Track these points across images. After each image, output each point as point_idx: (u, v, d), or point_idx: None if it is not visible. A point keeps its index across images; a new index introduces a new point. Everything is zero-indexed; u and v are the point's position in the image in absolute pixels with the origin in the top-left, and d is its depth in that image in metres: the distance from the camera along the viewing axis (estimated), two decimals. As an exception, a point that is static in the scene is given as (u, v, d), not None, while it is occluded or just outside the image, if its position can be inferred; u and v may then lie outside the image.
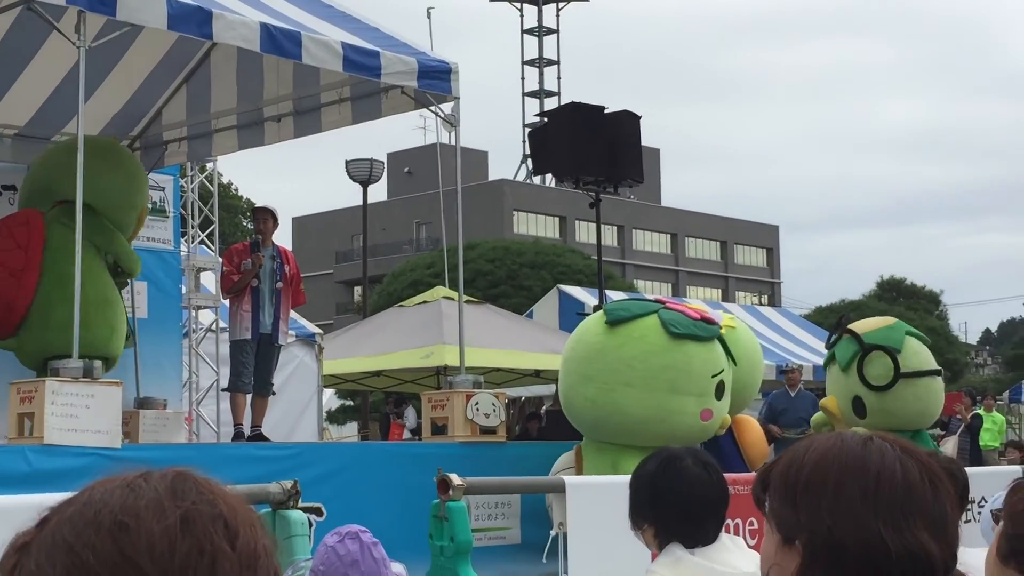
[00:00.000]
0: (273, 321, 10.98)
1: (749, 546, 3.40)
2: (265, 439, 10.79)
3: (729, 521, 3.51)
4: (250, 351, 10.89)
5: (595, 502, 6.48)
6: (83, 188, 8.59)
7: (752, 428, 10.81)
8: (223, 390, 11.32)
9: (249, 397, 10.98)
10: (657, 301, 10.42)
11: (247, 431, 10.92)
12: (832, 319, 16.47)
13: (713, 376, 9.47)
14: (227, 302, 11.38)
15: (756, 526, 6.67)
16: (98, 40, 8.61)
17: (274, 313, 10.99)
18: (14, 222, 10.06)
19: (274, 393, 11.35)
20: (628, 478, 3.47)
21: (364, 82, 10.58)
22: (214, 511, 1.29)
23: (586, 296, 21.19)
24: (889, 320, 11.87)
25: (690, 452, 3.49)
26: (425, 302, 18.31)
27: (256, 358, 10.93)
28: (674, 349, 9.37)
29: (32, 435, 7.83)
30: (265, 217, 11.23)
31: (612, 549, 5.85)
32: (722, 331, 9.86)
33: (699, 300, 26.15)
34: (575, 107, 13.14)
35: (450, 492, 5.98)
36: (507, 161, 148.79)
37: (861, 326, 11.45)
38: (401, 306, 19.49)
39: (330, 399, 31.11)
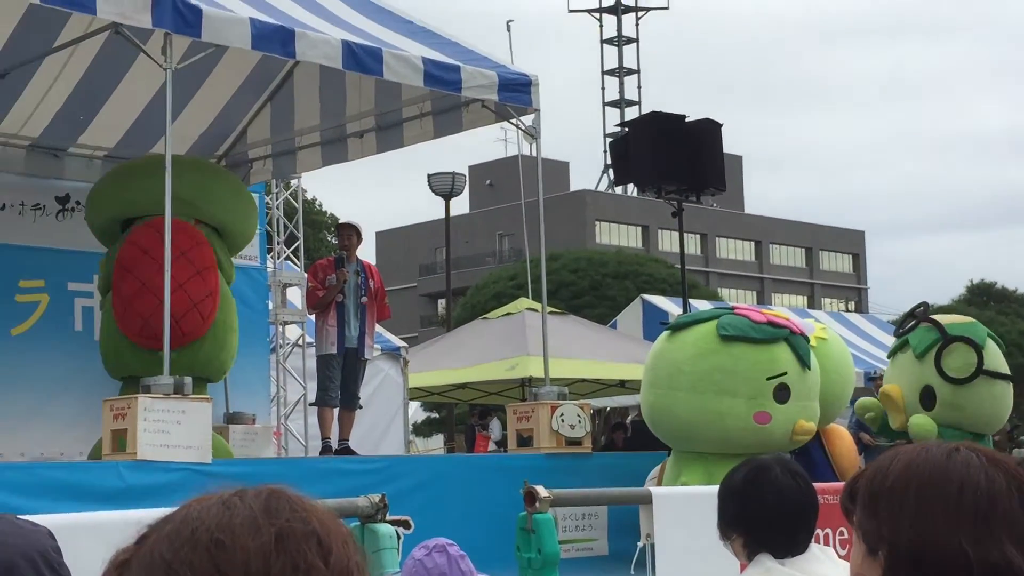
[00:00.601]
0: (359, 335, 11.06)
1: (839, 556, 3.36)
2: (352, 453, 10.87)
3: (819, 531, 3.47)
4: (336, 366, 10.98)
5: (682, 512, 6.45)
6: (218, 211, 9.47)
7: (842, 437, 10.65)
8: (310, 404, 11.43)
9: (336, 411, 11.07)
10: (729, 308, 10.37)
11: (335, 445, 11.01)
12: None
13: (769, 379, 9.35)
14: (313, 317, 11.49)
15: (846, 536, 6.60)
16: (184, 62, 8.75)
17: (359, 327, 11.07)
18: (188, 243, 10.11)
19: (361, 407, 11.43)
20: (714, 488, 3.46)
21: (445, 96, 10.65)
22: (307, 528, 1.30)
23: (670, 305, 21.08)
24: (968, 318, 11.58)
25: (779, 461, 3.46)
26: (509, 314, 18.35)
27: (342, 372, 11.02)
28: (722, 351, 9.34)
29: (125, 451, 7.95)
30: (349, 232, 11.32)
31: (700, 560, 5.82)
32: (811, 341, 9.75)
33: (784, 308, 25.92)
34: (656, 116, 13.10)
35: (537, 504, 5.98)
36: (588, 171, 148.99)
37: (940, 319, 11.15)
38: (485, 318, 19.55)
39: (416, 412, 31.26)
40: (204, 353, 10.15)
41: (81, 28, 9.74)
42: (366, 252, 11.38)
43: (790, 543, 3.29)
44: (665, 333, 9.86)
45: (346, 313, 11.02)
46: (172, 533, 1.31)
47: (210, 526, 1.29)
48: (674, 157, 12.60)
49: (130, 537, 1.40)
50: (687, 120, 12.98)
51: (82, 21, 9.43)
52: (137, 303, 9.76)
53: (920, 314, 11.02)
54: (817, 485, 3.50)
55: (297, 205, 13.81)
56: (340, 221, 11.64)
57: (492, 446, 22.15)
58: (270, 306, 12.95)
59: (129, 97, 11.40)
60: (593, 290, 38.66)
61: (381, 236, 74.47)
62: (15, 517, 2.83)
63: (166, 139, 8.72)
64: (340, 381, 11.01)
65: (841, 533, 6.64)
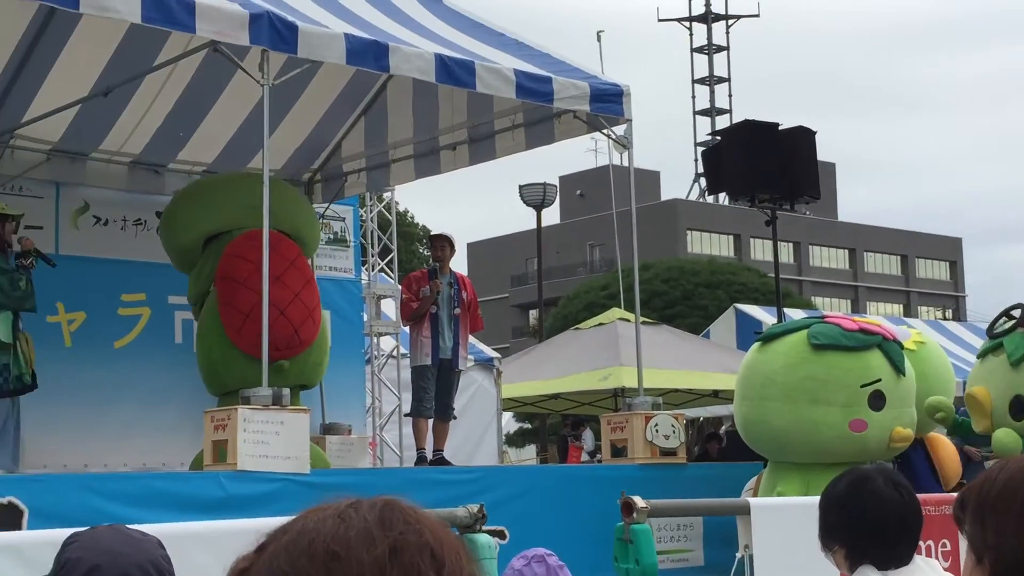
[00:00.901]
0: (453, 346, 11.11)
1: (944, 568, 3.33)
2: (447, 463, 10.93)
3: (921, 543, 3.44)
4: (431, 377, 11.04)
5: (781, 523, 6.40)
6: (296, 221, 9.70)
7: (945, 447, 10.46)
8: (405, 415, 11.52)
9: (431, 422, 11.13)
10: (820, 318, 10.23)
11: (429, 455, 11.07)
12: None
13: (864, 386, 9.23)
14: (407, 329, 11.57)
15: (949, 547, 6.51)
16: (280, 78, 8.87)
17: (453, 339, 11.12)
18: (291, 252, 10.28)
19: (455, 418, 11.49)
20: (813, 499, 3.44)
21: (537, 108, 10.68)
22: (421, 540, 1.32)
23: (763, 315, 20.91)
24: None
25: (881, 472, 3.43)
26: (601, 324, 18.32)
27: (437, 383, 11.08)
28: (814, 360, 9.24)
29: (226, 461, 8.07)
30: (442, 244, 11.37)
31: (800, 571, 5.77)
32: (909, 347, 9.62)
33: (879, 316, 25.57)
34: (748, 124, 13.04)
35: (634, 515, 5.97)
36: (679, 180, 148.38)
37: None
38: (577, 329, 19.53)
39: (508, 422, 31.34)
40: (312, 359, 10.35)
41: (180, 47, 9.92)
42: (458, 263, 11.46)
43: (893, 554, 3.25)
44: (756, 345, 9.79)
45: (440, 324, 11.07)
46: (289, 544, 1.34)
47: (326, 538, 1.32)
48: (767, 165, 12.54)
49: (249, 545, 1.43)
50: (780, 128, 12.90)
51: (181, 40, 9.61)
52: (257, 315, 9.88)
53: (1020, 316, 10.55)
54: (920, 496, 3.46)
55: (391, 218, 13.93)
56: (433, 233, 11.70)
57: (584, 456, 22.11)
58: (364, 318, 13.07)
59: (226, 113, 11.59)
60: (685, 300, 38.47)
61: (472, 247, 74.78)
62: (126, 527, 2.90)
63: (264, 154, 8.85)
64: (435, 392, 11.07)
65: (944, 545, 6.55)
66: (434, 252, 11.48)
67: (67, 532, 3.12)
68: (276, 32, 8.41)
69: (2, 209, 9.72)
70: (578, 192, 71.02)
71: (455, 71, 9.28)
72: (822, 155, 14.40)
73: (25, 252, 9.68)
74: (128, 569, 2.68)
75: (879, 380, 9.27)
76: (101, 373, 11.15)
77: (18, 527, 6.80)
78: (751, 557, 6.56)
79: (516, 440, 37.73)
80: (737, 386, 9.80)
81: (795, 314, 18.69)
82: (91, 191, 11.68)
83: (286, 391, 8.47)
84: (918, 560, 3.29)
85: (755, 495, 9.36)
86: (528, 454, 36.50)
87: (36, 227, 10.44)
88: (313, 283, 10.40)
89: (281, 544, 1.35)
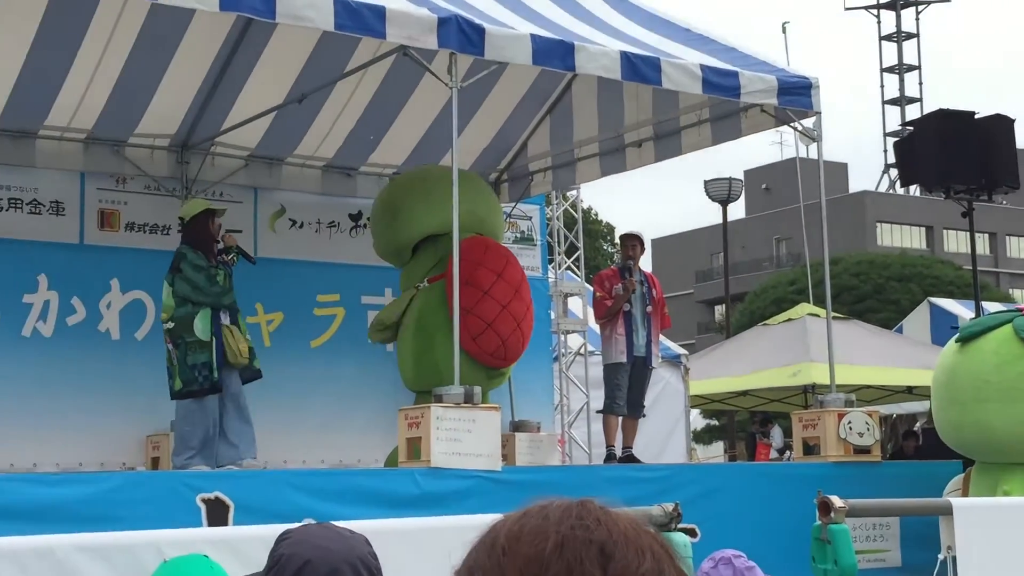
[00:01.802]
0: (646, 343, 11.16)
1: None
2: (636, 460, 10.93)
3: None
4: (625, 374, 11.10)
5: (986, 525, 6.22)
6: (496, 225, 10.25)
7: None
8: (597, 412, 11.56)
9: (620, 419, 11.16)
10: (1017, 310, 9.88)
11: (618, 452, 11.10)
12: None
13: None
14: (595, 326, 11.62)
15: None
16: (468, 80, 8.99)
17: (647, 336, 11.17)
18: (504, 261, 10.49)
19: (644, 415, 11.49)
20: (1020, 500, 3.33)
21: (723, 103, 10.59)
22: (590, 536, 1.35)
23: (959, 308, 20.31)
24: None
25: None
26: (790, 319, 18.06)
27: (630, 380, 11.13)
28: None
29: (420, 458, 8.22)
30: (634, 243, 11.46)
31: (1007, 574, 5.61)
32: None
33: (1084, 309, 24.55)
34: (943, 114, 12.69)
35: (832, 514, 5.88)
36: (868, 172, 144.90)
37: None
38: (766, 324, 19.29)
39: (695, 419, 31.10)
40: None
41: (370, 52, 10.15)
42: (643, 260, 11.43)
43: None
44: (954, 345, 9.43)
45: (633, 322, 11.13)
46: (483, 538, 1.41)
47: (506, 533, 1.38)
48: (963, 155, 12.18)
49: (451, 541, 1.51)
50: (976, 116, 12.52)
51: (371, 45, 9.83)
52: (499, 325, 10.07)
53: None
54: None
55: (576, 215, 13.98)
56: (624, 232, 11.75)
57: (773, 454, 21.83)
58: (552, 316, 13.15)
59: (415, 116, 11.79)
60: (876, 294, 37.57)
61: (656, 243, 74.43)
62: (335, 524, 3.00)
63: (452, 155, 8.98)
64: (627, 389, 11.13)
65: None
66: (626, 251, 11.53)
67: (275, 528, 3.24)
68: (464, 35, 8.53)
69: (205, 205, 9.92)
70: (763, 186, 70.01)
71: (641, 68, 9.26)
72: (1019, 143, 13.90)
73: (227, 248, 9.87)
74: (338, 565, 2.76)
75: None
76: (298, 372, 11.46)
77: (225, 521, 7.06)
78: (954, 559, 6.39)
79: (703, 437, 37.41)
80: (939, 391, 9.45)
81: (993, 307, 18.10)
82: (287, 195, 12.02)
83: (477, 389, 8.59)
84: None
85: (963, 496, 9.08)
86: (716, 451, 36.18)
87: (236, 231, 10.79)
88: (531, 295, 10.73)
89: (477, 540, 1.42)
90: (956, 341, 9.41)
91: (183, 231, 9.96)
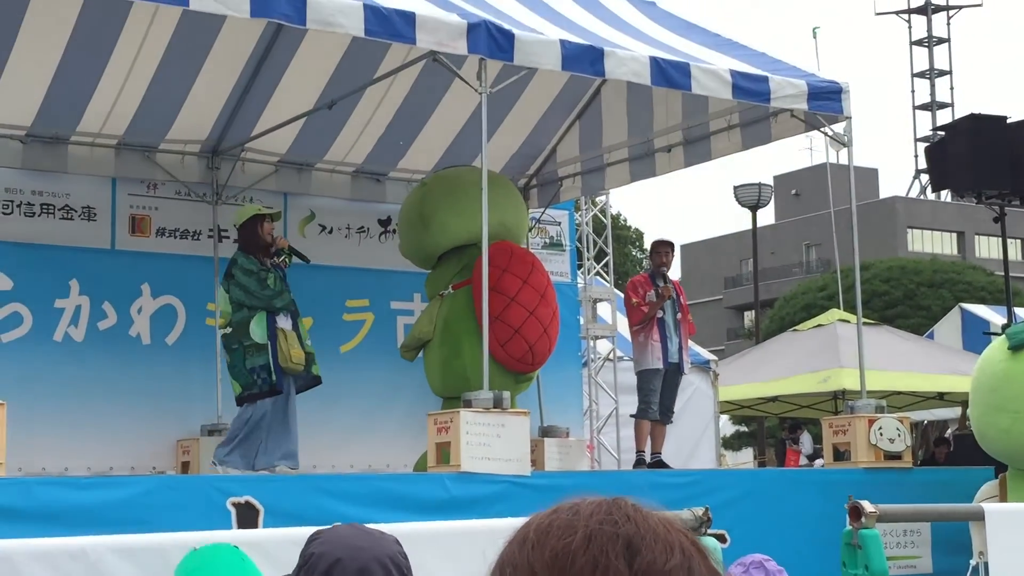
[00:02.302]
0: (678, 349, 11.19)
1: None
2: (666, 466, 10.93)
3: None
4: (659, 380, 11.13)
5: (1019, 530, 6.18)
6: (523, 231, 10.25)
7: None
8: (631, 416, 11.57)
9: (650, 424, 11.18)
10: None
11: (648, 458, 11.11)
12: None
13: None
14: (624, 332, 11.64)
15: None
16: (497, 85, 8.99)
17: (679, 342, 11.20)
18: (530, 267, 10.51)
19: (672, 421, 11.50)
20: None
21: (753, 108, 10.57)
22: (618, 531, 1.36)
23: (991, 314, 20.19)
24: None
25: None
26: (820, 325, 18.01)
27: (662, 386, 11.15)
28: None
29: (449, 463, 8.23)
30: (667, 250, 11.51)
31: (1038, 581, 5.58)
32: None
33: (1118, 315, 24.35)
34: (974, 118, 12.63)
35: (863, 519, 5.85)
36: (898, 177, 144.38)
37: None
38: (795, 330, 19.24)
39: (725, 425, 31.04)
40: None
41: (400, 58, 10.18)
42: (673, 266, 11.50)
43: None
44: (1005, 351, 9.26)
45: (667, 328, 11.16)
46: (516, 534, 1.43)
47: (535, 528, 1.40)
48: (994, 160, 12.11)
49: (479, 545, 1.52)
50: (1008, 121, 12.46)
51: (401, 51, 9.86)
52: (526, 330, 10.09)
53: None
54: None
55: (606, 221, 13.97)
56: (656, 239, 11.76)
57: (803, 460, 21.76)
58: (581, 321, 13.15)
59: (444, 121, 11.82)
60: (907, 300, 37.38)
61: (685, 249, 74.28)
62: (365, 525, 3.01)
63: (482, 161, 8.99)
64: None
65: None
66: (658, 258, 11.55)
67: (305, 530, 3.26)
68: (493, 41, 8.53)
69: (256, 210, 9.90)
70: (793, 191, 69.80)
71: (670, 73, 9.25)
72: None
73: (279, 251, 9.87)
74: (368, 563, 2.78)
75: None
76: (328, 376, 11.44)
77: (255, 525, 7.08)
78: (986, 565, 6.35)
79: (733, 443, 37.33)
80: (984, 396, 9.28)
81: (1025, 314, 17.99)
82: (317, 200, 12.06)
83: (507, 394, 8.59)
84: None
85: (1001, 501, 8.99)
86: (745, 457, 36.09)
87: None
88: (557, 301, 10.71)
89: (511, 536, 1.44)
90: (1009, 348, 9.19)
91: (238, 238, 9.98)
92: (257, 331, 9.44)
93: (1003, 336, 9.48)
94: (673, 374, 11.25)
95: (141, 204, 11.26)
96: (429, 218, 10.71)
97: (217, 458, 9.43)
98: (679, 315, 11.28)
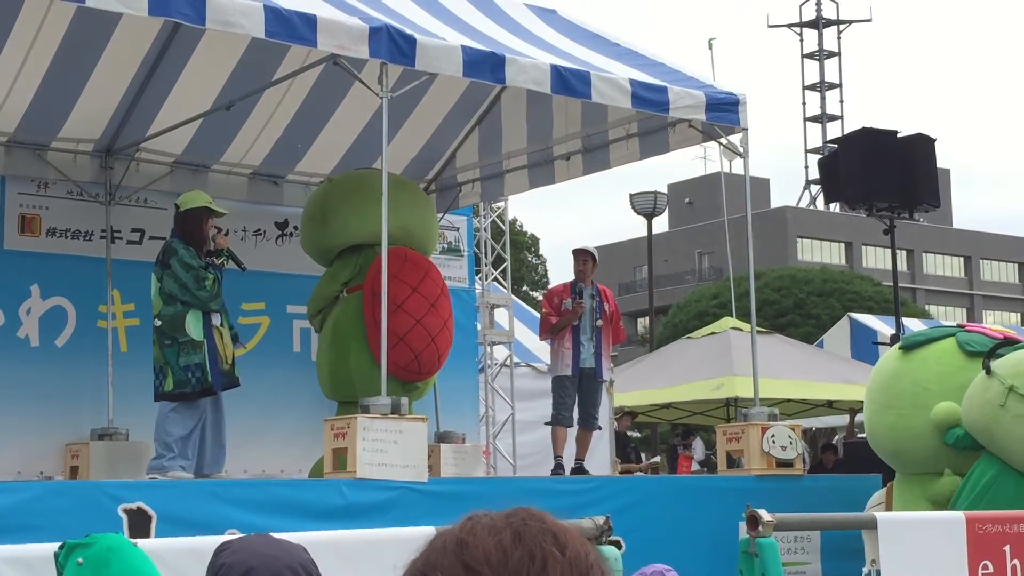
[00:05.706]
0: (595, 356, 11.23)
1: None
2: (586, 472, 11.00)
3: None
4: (571, 386, 11.20)
5: (910, 539, 6.30)
6: (430, 240, 10.20)
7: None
8: (546, 423, 11.61)
9: (570, 431, 11.27)
10: (958, 326, 10.10)
11: (567, 464, 11.18)
12: None
13: None
14: (521, 339, 11.68)
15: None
16: (398, 90, 8.96)
17: (595, 349, 11.25)
18: (438, 274, 10.53)
19: (600, 427, 11.62)
20: (942, 514, 3.38)
21: (651, 117, 10.65)
22: (543, 526, 1.44)
23: (879, 324, 20.64)
24: None
25: None
26: (713, 333, 18.22)
27: (580, 393, 11.22)
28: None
29: (346, 469, 8.16)
30: (585, 258, 11.54)
31: (928, 588, 5.69)
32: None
33: (999, 325, 25.05)
34: (867, 132, 12.88)
35: (760, 528, 5.93)
36: (789, 187, 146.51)
37: None
38: (689, 338, 19.45)
39: (618, 431, 31.18)
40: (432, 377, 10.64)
41: (299, 60, 10.08)
42: (564, 271, 11.60)
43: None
44: (897, 352, 9.58)
45: (580, 335, 11.19)
46: (426, 547, 1.47)
47: (455, 533, 1.45)
48: (886, 173, 12.37)
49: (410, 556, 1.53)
50: (899, 135, 12.73)
51: (300, 53, 9.76)
52: (411, 339, 9.99)
53: None
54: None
55: (504, 227, 13.99)
56: (575, 247, 11.78)
57: (695, 466, 21.97)
58: (478, 327, 13.14)
59: (343, 125, 11.74)
60: (797, 309, 38.03)
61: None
62: (273, 535, 2.98)
63: (383, 164, 8.94)
64: (577, 401, 11.23)
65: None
66: (576, 266, 11.60)
67: (203, 539, 3.21)
68: (395, 45, 8.50)
69: (207, 202, 9.55)
70: (686, 200, 70.63)
71: (570, 81, 9.29)
72: (940, 162, 14.14)
73: (217, 251, 9.54)
74: (281, 571, 2.77)
75: None
76: (221, 380, 11.33)
77: (147, 532, 6.96)
78: (878, 572, 6.47)
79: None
80: (876, 394, 9.57)
81: (911, 323, 18.39)
82: (213, 202, 11.87)
83: (404, 400, 8.55)
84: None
85: (888, 508, 9.18)
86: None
87: (160, 238, 10.64)
88: (449, 303, 10.59)
89: (422, 551, 1.48)
90: (899, 348, 9.51)
91: (176, 221, 9.59)
92: (194, 328, 9.13)
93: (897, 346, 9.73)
94: (589, 381, 11.28)
95: (31, 203, 11.00)
96: (330, 215, 10.69)
97: (151, 468, 9.02)
98: (599, 322, 11.31)
